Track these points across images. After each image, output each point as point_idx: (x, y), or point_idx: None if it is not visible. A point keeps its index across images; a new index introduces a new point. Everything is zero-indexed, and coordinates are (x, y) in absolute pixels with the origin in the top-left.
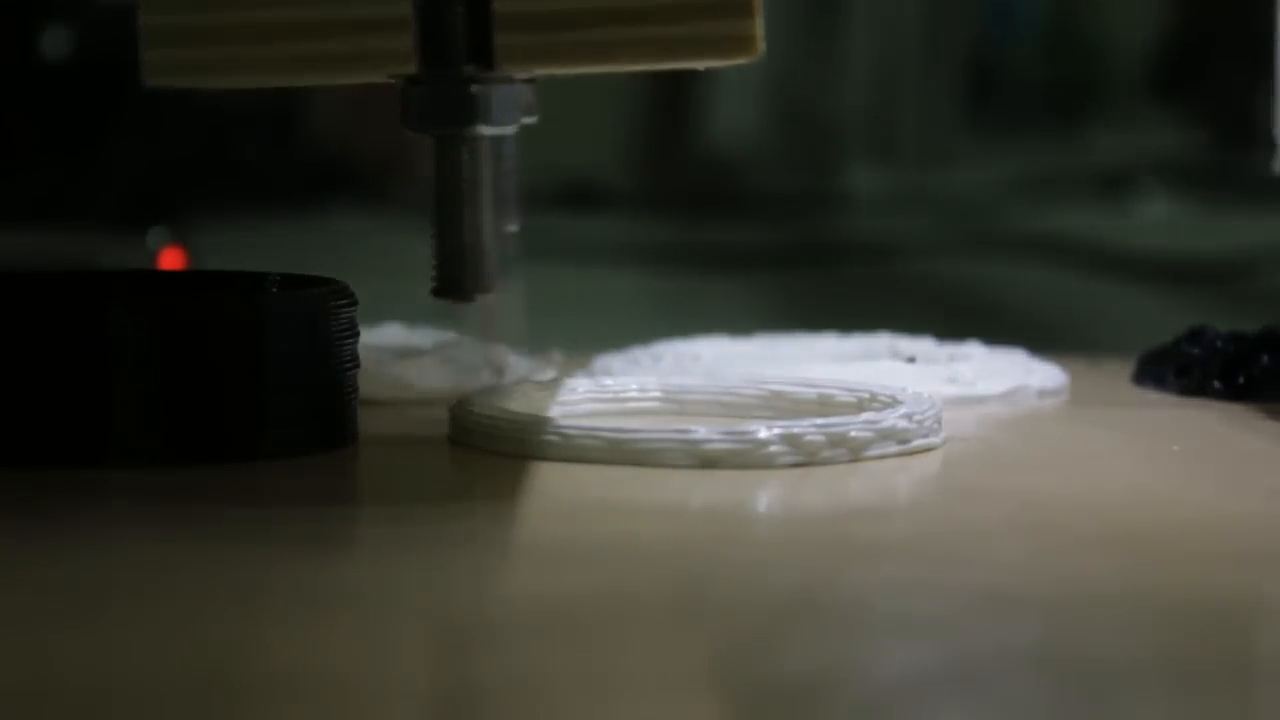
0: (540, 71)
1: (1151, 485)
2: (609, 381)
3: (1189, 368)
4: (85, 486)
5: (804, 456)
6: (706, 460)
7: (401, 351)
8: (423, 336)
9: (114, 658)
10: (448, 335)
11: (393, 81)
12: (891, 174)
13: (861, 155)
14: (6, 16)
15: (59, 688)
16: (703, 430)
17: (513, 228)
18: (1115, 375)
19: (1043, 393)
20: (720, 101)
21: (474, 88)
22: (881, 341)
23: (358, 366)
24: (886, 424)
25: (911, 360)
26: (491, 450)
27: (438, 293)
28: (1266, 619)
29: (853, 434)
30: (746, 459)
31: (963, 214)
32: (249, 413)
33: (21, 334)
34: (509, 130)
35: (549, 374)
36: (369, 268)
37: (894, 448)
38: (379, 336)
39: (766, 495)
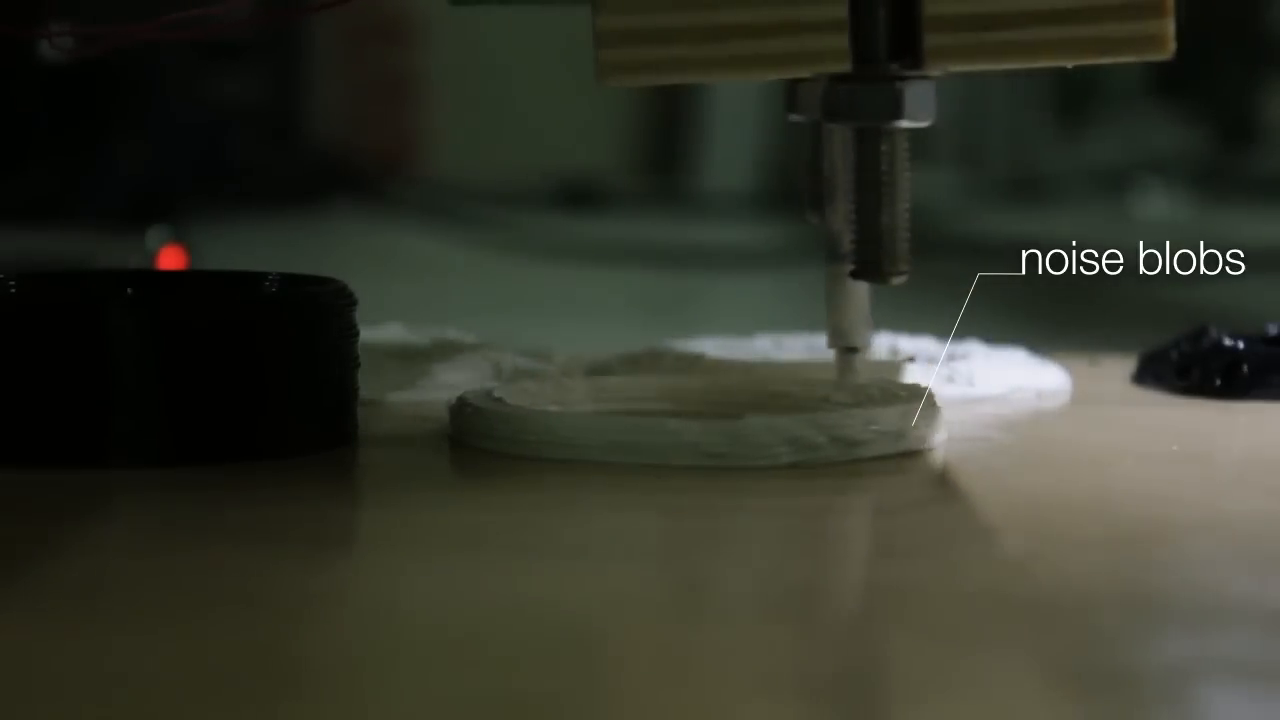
0: (959, 69)
1: (1151, 485)
2: (609, 380)
3: (1189, 368)
4: (85, 486)
5: (803, 455)
6: (709, 458)
7: (401, 351)
8: (423, 336)
9: (114, 658)
10: (448, 335)
11: (815, 79)
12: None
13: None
14: (6, 16)
15: (59, 688)
16: (703, 428)
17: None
18: (1115, 375)
19: (1043, 393)
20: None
21: (898, 84)
22: (881, 341)
23: (358, 366)
24: (886, 424)
25: (911, 360)
26: (491, 449)
27: (856, 274)
28: (1269, 619)
29: (852, 433)
30: (746, 456)
31: (960, 212)
32: (249, 412)
33: (22, 334)
34: (924, 124)
35: (549, 373)
36: (369, 268)
37: (892, 447)
38: (379, 336)
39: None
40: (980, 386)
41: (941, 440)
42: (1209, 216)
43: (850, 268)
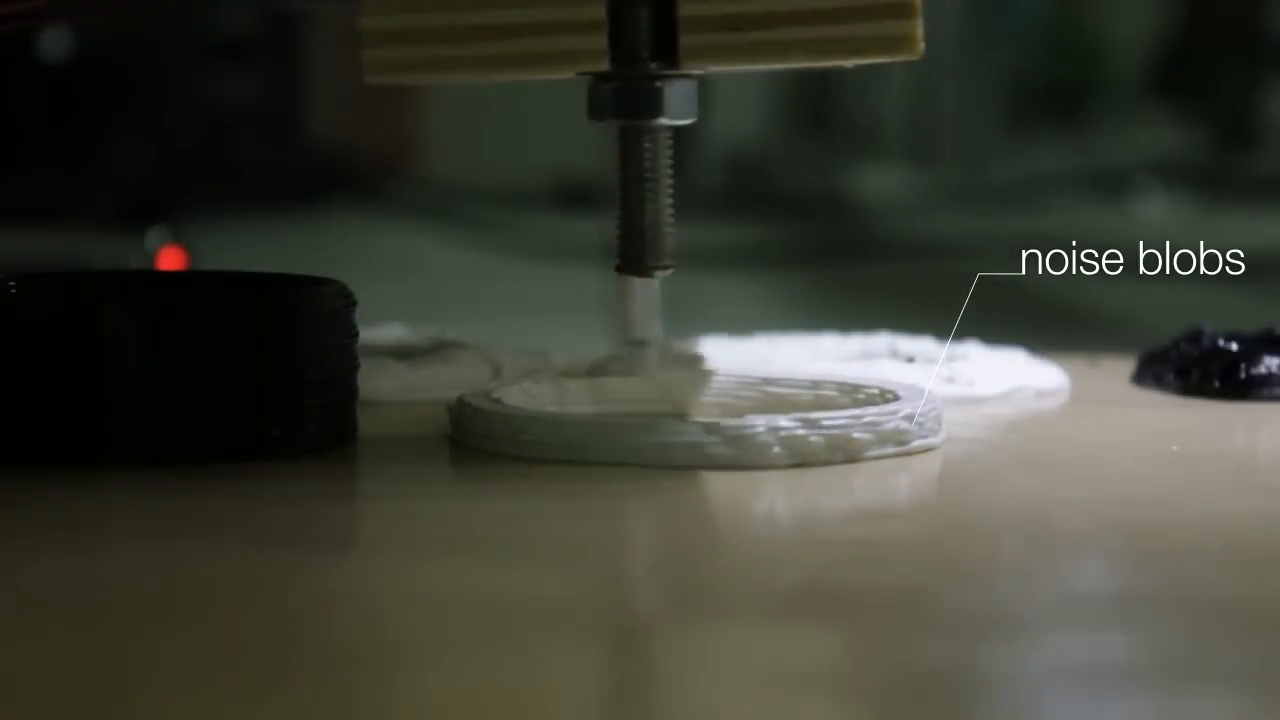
0: (717, 69)
1: (1151, 485)
2: (608, 381)
3: (1189, 368)
4: (85, 486)
5: (802, 456)
6: (708, 460)
7: (401, 351)
8: (422, 336)
9: (113, 658)
10: (448, 335)
11: (582, 78)
12: (897, 173)
13: (872, 155)
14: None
15: (58, 688)
16: (703, 429)
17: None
18: (1115, 375)
19: (1042, 393)
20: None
21: (657, 83)
22: (881, 341)
23: (357, 366)
24: (886, 425)
25: (911, 360)
26: (490, 449)
27: (621, 269)
28: (1268, 619)
29: (853, 435)
30: (745, 458)
31: (958, 212)
32: (248, 413)
33: (21, 334)
34: (686, 122)
35: (548, 374)
36: (369, 268)
37: (892, 449)
38: (379, 336)
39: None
40: (980, 387)
41: (941, 440)
42: (1209, 217)
43: (616, 262)
